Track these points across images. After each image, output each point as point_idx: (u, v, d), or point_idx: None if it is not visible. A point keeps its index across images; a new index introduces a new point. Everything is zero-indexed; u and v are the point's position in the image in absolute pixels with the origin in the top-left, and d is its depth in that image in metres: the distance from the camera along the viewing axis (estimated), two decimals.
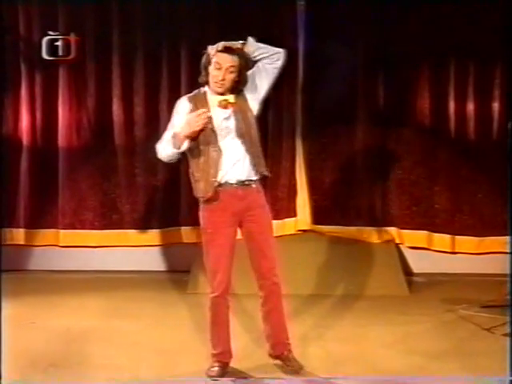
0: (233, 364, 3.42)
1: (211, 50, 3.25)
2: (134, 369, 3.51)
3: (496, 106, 5.51)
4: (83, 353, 3.72)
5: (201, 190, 3.29)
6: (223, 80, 3.20)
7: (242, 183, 3.27)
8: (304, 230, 5.67)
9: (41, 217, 5.76)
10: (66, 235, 5.71)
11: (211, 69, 3.23)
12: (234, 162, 3.26)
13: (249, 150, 3.27)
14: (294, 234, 5.65)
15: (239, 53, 3.25)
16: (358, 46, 5.55)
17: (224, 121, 3.25)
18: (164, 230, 5.73)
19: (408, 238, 5.66)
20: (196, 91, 3.38)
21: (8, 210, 5.67)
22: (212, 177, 3.23)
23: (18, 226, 5.71)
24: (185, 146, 3.23)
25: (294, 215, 5.66)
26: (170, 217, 5.73)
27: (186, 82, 5.61)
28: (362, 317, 4.48)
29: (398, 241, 5.66)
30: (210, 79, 3.25)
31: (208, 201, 3.29)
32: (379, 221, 5.64)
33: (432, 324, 4.31)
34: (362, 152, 5.64)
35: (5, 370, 3.16)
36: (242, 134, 3.26)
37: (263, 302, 3.39)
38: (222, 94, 3.25)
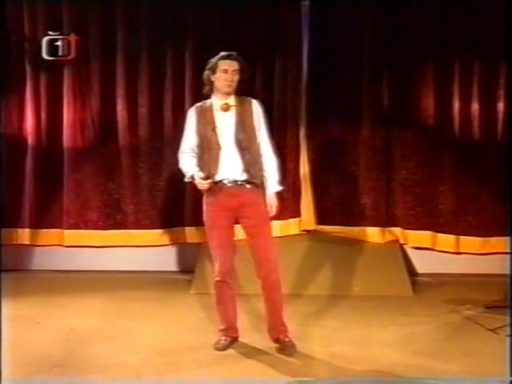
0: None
1: (215, 60, 3.75)
2: (138, 369, 3.51)
3: (500, 106, 5.50)
4: (87, 352, 3.73)
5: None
6: (231, 81, 3.69)
7: (235, 182, 3.68)
8: (308, 231, 5.67)
9: (45, 217, 5.77)
10: (70, 235, 5.72)
11: (218, 75, 3.72)
12: (230, 163, 3.66)
13: (244, 157, 3.66)
14: (299, 235, 5.65)
15: (237, 59, 3.74)
16: (363, 46, 5.54)
17: (224, 123, 3.70)
18: (168, 230, 5.74)
19: (412, 238, 5.65)
20: (203, 102, 3.82)
21: (13, 210, 5.69)
22: (212, 170, 3.65)
23: (23, 226, 5.72)
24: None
25: (298, 215, 5.66)
26: (173, 217, 5.73)
27: (189, 82, 5.62)
28: (366, 317, 4.47)
29: (402, 241, 5.65)
30: (218, 84, 3.73)
31: (208, 195, 3.70)
32: (383, 221, 5.63)
33: (436, 324, 4.30)
34: (366, 152, 5.63)
35: (5, 369, 3.16)
36: (238, 140, 3.67)
37: (262, 290, 3.74)
38: (229, 94, 3.71)
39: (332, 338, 4.01)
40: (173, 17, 5.61)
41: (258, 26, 5.59)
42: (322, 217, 5.61)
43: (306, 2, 5.51)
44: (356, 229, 5.61)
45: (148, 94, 5.66)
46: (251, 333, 3.96)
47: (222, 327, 3.80)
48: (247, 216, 3.68)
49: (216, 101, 3.74)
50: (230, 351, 3.74)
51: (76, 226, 5.72)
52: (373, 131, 5.61)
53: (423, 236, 5.64)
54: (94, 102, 5.70)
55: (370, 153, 5.62)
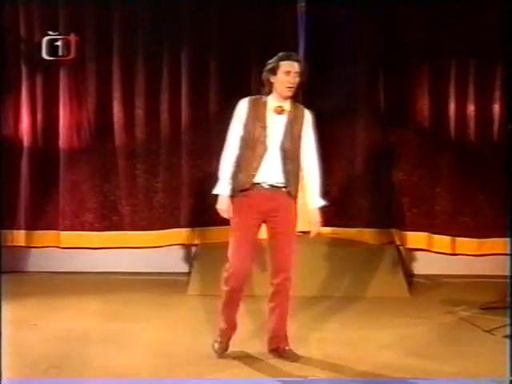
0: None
1: (274, 60, 3.55)
2: (134, 370, 3.50)
3: (496, 107, 5.52)
4: (83, 354, 3.72)
5: (240, 180, 3.52)
6: (293, 84, 3.52)
7: (272, 186, 3.52)
8: (304, 232, 5.66)
9: (41, 218, 5.76)
10: (66, 237, 5.71)
11: (279, 76, 3.52)
12: (271, 168, 3.51)
13: (285, 166, 3.51)
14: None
15: (298, 60, 3.60)
16: (359, 48, 5.55)
17: (274, 126, 3.53)
18: (164, 231, 5.73)
19: (409, 239, 5.66)
20: (258, 96, 3.62)
21: (9, 212, 5.67)
22: (253, 170, 3.49)
23: (19, 228, 5.71)
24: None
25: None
26: (170, 218, 5.73)
27: (186, 83, 5.62)
28: (362, 319, 4.48)
29: (398, 242, 5.66)
30: (279, 86, 3.53)
31: (241, 192, 3.52)
32: (380, 222, 5.64)
33: (432, 326, 4.31)
34: (363, 154, 5.64)
35: (5, 371, 3.16)
36: (284, 149, 3.52)
37: (270, 297, 3.61)
38: (288, 98, 3.54)
39: (328, 339, 4.01)
40: (169, 18, 5.61)
41: (255, 28, 5.60)
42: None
43: (302, 4, 5.52)
44: (352, 230, 5.62)
45: (144, 96, 5.66)
46: (251, 335, 3.95)
47: (221, 327, 3.69)
48: (276, 221, 3.54)
49: (271, 100, 3.56)
50: (227, 352, 3.73)
51: (72, 228, 5.71)
52: (369, 132, 5.62)
53: (419, 237, 5.65)
54: (91, 103, 5.69)
55: (367, 154, 5.63)
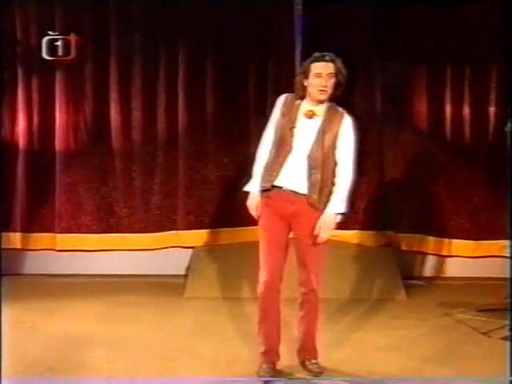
0: None
1: (307, 62, 3.38)
2: (132, 373, 3.50)
3: (492, 109, 5.53)
4: (80, 357, 3.71)
5: (263, 178, 3.38)
6: (326, 86, 3.31)
7: (293, 192, 3.33)
8: None
9: (37, 221, 5.74)
10: (62, 239, 5.69)
11: (311, 79, 3.32)
12: (294, 174, 3.32)
13: (311, 176, 3.30)
14: (292, 238, 5.63)
15: (333, 60, 3.35)
16: (355, 49, 5.55)
17: (304, 131, 3.33)
18: (161, 233, 5.72)
19: (405, 241, 5.67)
20: (295, 95, 3.42)
21: (4, 214, 5.66)
22: (275, 172, 3.33)
23: (15, 230, 5.68)
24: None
25: None
26: (167, 221, 5.72)
27: (183, 85, 5.62)
28: (358, 320, 4.47)
29: (395, 245, 5.67)
30: (311, 89, 3.33)
31: (265, 192, 3.37)
32: (376, 225, 5.65)
33: (429, 328, 4.32)
34: (359, 156, 5.59)
35: (2, 374, 3.15)
36: (311, 157, 3.31)
37: (299, 307, 3.45)
38: (322, 101, 3.35)
39: (324, 341, 3.99)
40: (166, 20, 5.60)
41: (252, 30, 5.60)
42: None
43: (299, 6, 5.52)
44: (349, 232, 5.61)
45: (141, 98, 5.64)
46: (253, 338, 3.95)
47: (261, 350, 3.42)
48: (299, 228, 3.34)
49: (305, 104, 3.36)
50: (225, 354, 3.72)
51: (68, 230, 5.69)
52: (365, 134, 5.60)
53: (416, 239, 5.66)
54: (87, 105, 5.68)
55: (363, 156, 5.62)
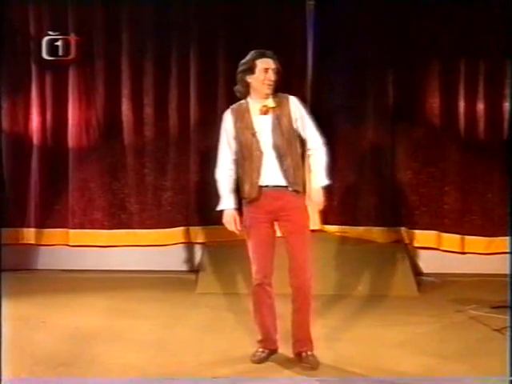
0: None
1: (250, 58, 3.50)
2: (143, 368, 3.51)
3: (506, 105, 5.49)
4: (92, 352, 3.73)
5: (246, 191, 3.50)
6: (272, 80, 3.46)
7: (277, 186, 3.46)
8: (313, 230, 5.64)
9: (51, 216, 5.78)
10: (75, 235, 5.73)
11: (257, 75, 3.46)
12: (270, 169, 3.46)
13: (282, 163, 3.44)
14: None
15: (273, 57, 3.51)
16: (368, 46, 5.53)
17: (263, 128, 3.47)
18: (173, 229, 5.74)
19: (417, 238, 5.64)
20: (239, 102, 3.57)
21: (18, 210, 5.70)
22: (255, 179, 3.46)
23: (29, 226, 5.74)
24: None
25: None
26: (178, 216, 5.74)
27: (195, 82, 5.63)
28: (371, 317, 4.46)
29: (407, 241, 5.65)
30: (257, 85, 3.48)
31: (250, 202, 3.50)
32: (388, 221, 5.62)
33: (441, 324, 4.30)
34: (371, 152, 5.62)
35: (10, 369, 3.17)
36: (276, 146, 3.46)
37: (292, 299, 3.53)
38: (268, 95, 3.47)
39: (336, 337, 4.00)
40: (177, 17, 5.62)
41: (264, 25, 5.59)
42: (327, 216, 5.59)
43: (312, 2, 5.51)
44: (361, 228, 5.60)
45: (153, 94, 5.67)
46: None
47: (259, 338, 3.59)
48: (287, 220, 3.46)
49: (253, 103, 3.50)
50: (231, 352, 3.72)
51: (81, 226, 5.73)
52: (378, 130, 5.60)
53: (428, 236, 5.63)
54: (99, 101, 5.71)
55: (375, 152, 5.61)
